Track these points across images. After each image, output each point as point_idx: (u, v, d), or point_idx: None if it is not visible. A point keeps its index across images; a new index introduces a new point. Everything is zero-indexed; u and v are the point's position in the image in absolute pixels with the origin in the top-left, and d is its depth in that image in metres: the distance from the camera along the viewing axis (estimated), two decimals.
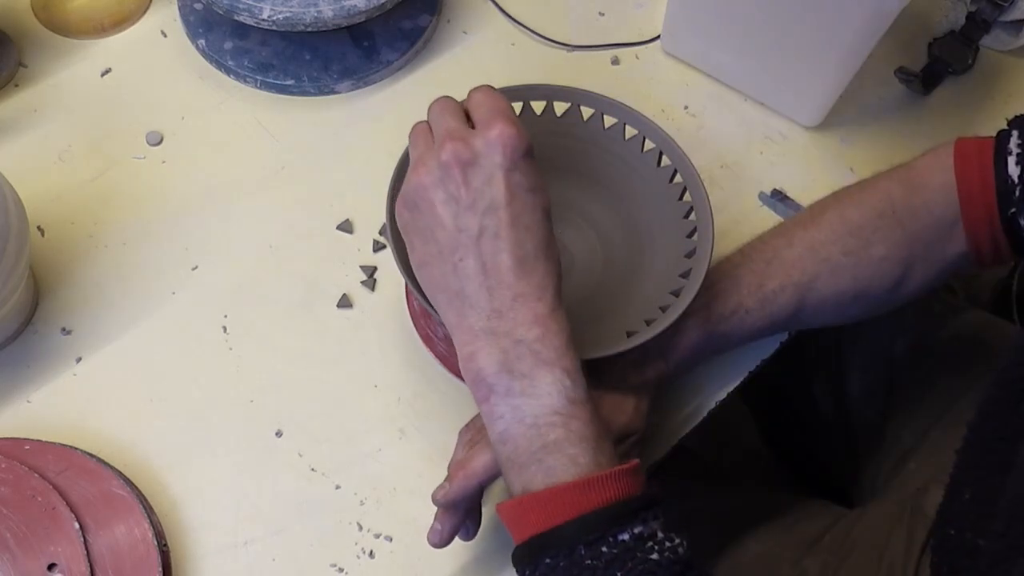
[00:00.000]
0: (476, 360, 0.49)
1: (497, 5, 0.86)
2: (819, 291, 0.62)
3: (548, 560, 0.45)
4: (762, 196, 0.78)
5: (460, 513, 0.55)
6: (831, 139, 0.81)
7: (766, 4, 0.74)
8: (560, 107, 0.66)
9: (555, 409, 0.48)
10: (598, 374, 0.58)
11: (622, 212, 0.68)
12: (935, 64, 0.83)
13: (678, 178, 0.64)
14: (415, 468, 0.64)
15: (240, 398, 0.66)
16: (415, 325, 0.67)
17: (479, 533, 0.58)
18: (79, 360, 0.66)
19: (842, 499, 0.81)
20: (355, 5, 0.74)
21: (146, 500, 0.60)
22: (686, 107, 0.82)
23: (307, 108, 0.79)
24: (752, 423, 0.99)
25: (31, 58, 0.79)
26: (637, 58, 0.85)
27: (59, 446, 0.61)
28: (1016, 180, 0.59)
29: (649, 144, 0.65)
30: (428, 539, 0.56)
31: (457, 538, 0.56)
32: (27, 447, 0.60)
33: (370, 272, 0.71)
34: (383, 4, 0.75)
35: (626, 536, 0.45)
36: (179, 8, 0.83)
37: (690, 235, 0.62)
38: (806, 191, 0.77)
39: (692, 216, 0.63)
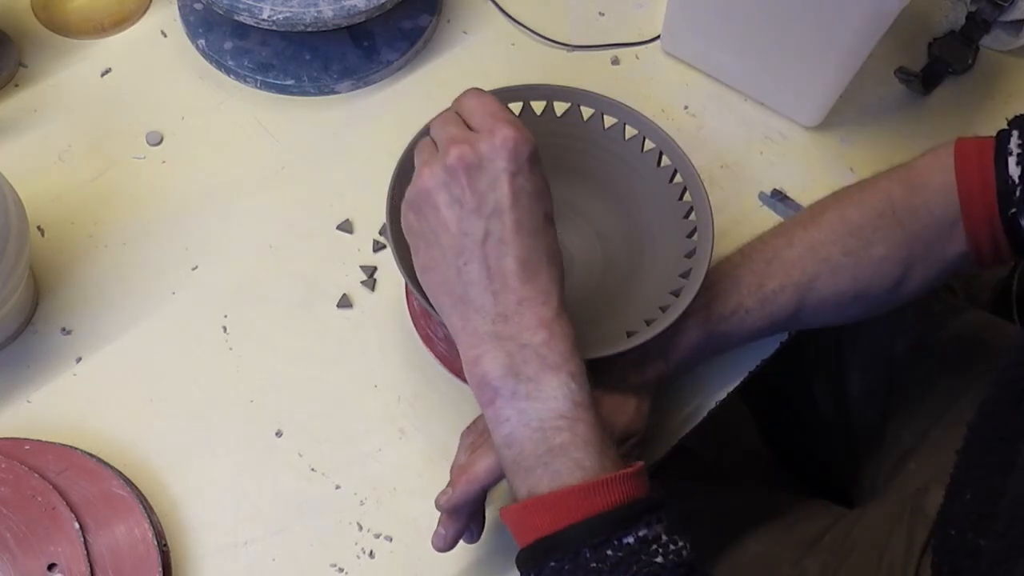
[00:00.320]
0: (481, 364, 0.49)
1: (497, 5, 0.86)
2: (819, 291, 0.62)
3: (553, 563, 0.45)
4: (762, 196, 0.78)
5: (464, 517, 0.56)
6: (831, 139, 0.81)
7: (766, 4, 0.74)
8: (560, 107, 0.66)
9: (561, 413, 0.48)
10: (598, 374, 0.58)
11: (622, 212, 0.68)
12: (935, 64, 0.83)
13: (678, 178, 0.64)
14: (415, 468, 0.64)
15: (240, 398, 0.66)
16: (415, 325, 0.67)
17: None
18: (79, 360, 0.66)
19: (842, 499, 0.81)
20: (355, 5, 0.74)
21: (146, 500, 0.60)
22: (686, 107, 0.82)
23: (307, 108, 0.79)
24: (752, 423, 0.99)
25: (31, 58, 0.79)
26: (637, 58, 0.85)
27: (59, 446, 0.61)
28: (1016, 180, 0.59)
29: (649, 144, 0.65)
30: (432, 543, 0.56)
31: (461, 541, 0.56)
32: (27, 447, 0.60)
33: (370, 272, 0.71)
34: (383, 4, 0.75)
35: (631, 539, 0.45)
36: (179, 8, 0.83)
37: (690, 235, 0.62)
38: (806, 191, 0.77)
39: (692, 216, 0.63)
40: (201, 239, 0.72)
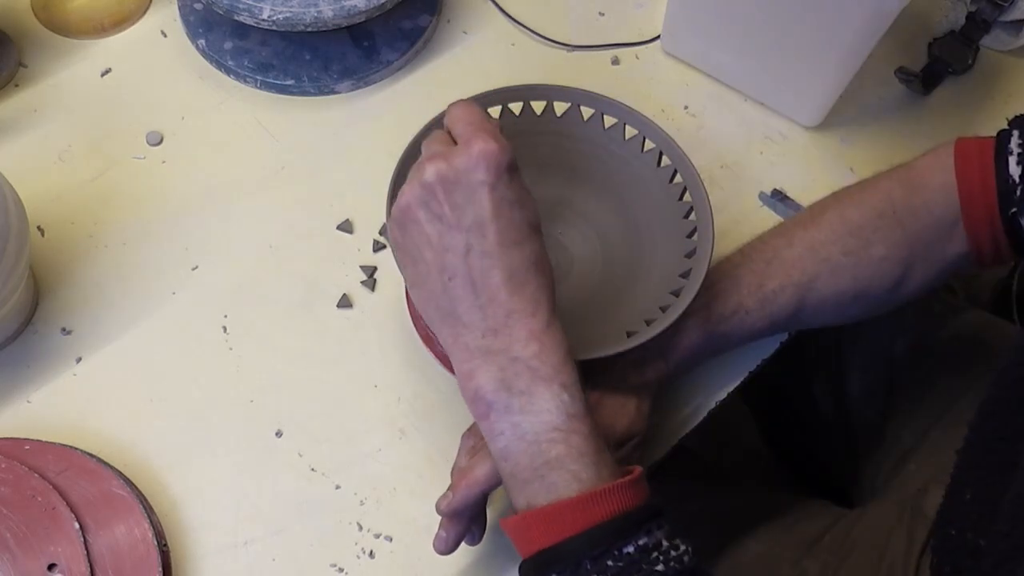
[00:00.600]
0: (474, 378, 0.49)
1: (497, 5, 0.86)
2: (819, 291, 0.62)
3: (555, 575, 0.45)
4: (762, 196, 0.78)
5: (465, 520, 0.56)
6: (831, 139, 0.81)
7: (766, 4, 0.74)
8: (560, 107, 0.66)
9: (555, 425, 0.47)
10: (598, 375, 0.58)
11: (622, 212, 0.68)
12: (935, 64, 0.83)
13: (678, 178, 0.64)
14: (415, 468, 0.64)
15: (240, 398, 0.66)
16: (415, 325, 0.67)
17: None
18: (79, 360, 0.66)
19: (842, 499, 0.81)
20: (355, 5, 0.74)
21: (146, 500, 0.60)
22: (686, 107, 0.82)
23: (307, 108, 0.79)
24: (752, 423, 0.99)
25: (31, 58, 0.79)
26: (637, 58, 0.85)
27: (59, 446, 0.61)
28: (1017, 180, 0.59)
29: (649, 144, 0.65)
30: (434, 547, 0.56)
31: (463, 542, 0.56)
32: (27, 447, 0.60)
33: (370, 272, 0.71)
34: (383, 4, 0.75)
35: (631, 549, 0.45)
36: (179, 8, 0.83)
37: (690, 235, 0.62)
38: (806, 191, 0.77)
39: (692, 216, 0.63)
40: (201, 239, 0.72)
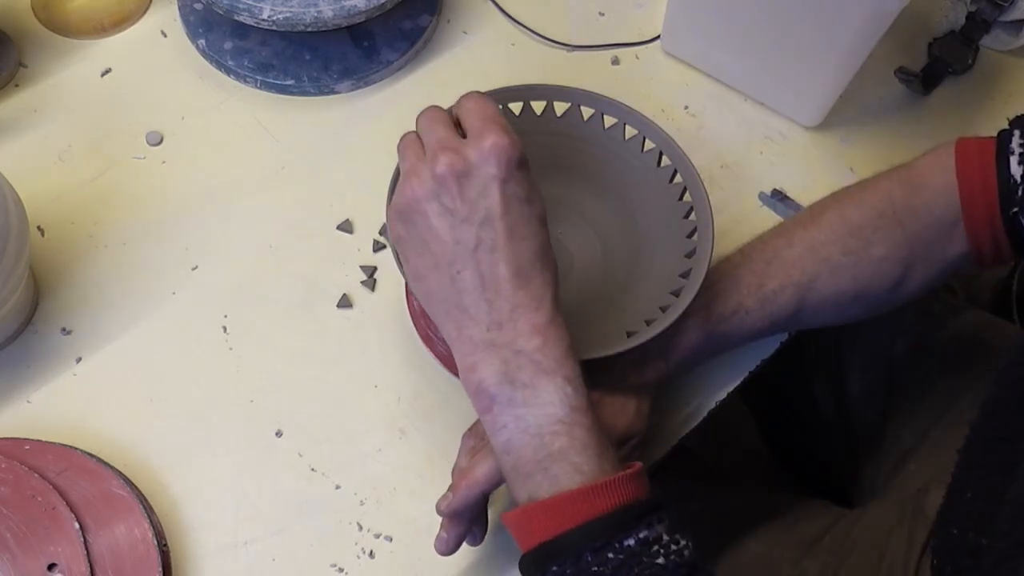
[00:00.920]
0: (477, 371, 0.49)
1: (497, 5, 0.86)
2: (819, 291, 0.62)
3: (555, 568, 0.46)
4: (762, 196, 0.78)
5: (465, 521, 0.56)
6: (831, 139, 0.81)
7: (766, 4, 0.74)
8: (560, 107, 0.66)
9: (558, 418, 0.48)
10: (598, 375, 0.58)
11: (622, 212, 0.68)
12: (935, 64, 0.83)
13: (678, 178, 0.64)
14: (415, 468, 0.64)
15: (240, 398, 0.66)
16: (415, 325, 0.67)
17: None
18: (79, 360, 0.66)
19: (842, 499, 0.81)
20: (355, 5, 0.74)
21: (146, 500, 0.60)
22: (686, 107, 0.82)
23: (307, 108, 0.79)
24: (752, 423, 0.99)
25: (31, 58, 0.79)
26: (637, 58, 0.85)
27: (59, 446, 0.61)
28: (1019, 180, 0.59)
29: (649, 144, 0.65)
30: (435, 548, 0.56)
31: (464, 543, 0.56)
32: (27, 447, 0.60)
33: (370, 272, 0.71)
34: (383, 4, 0.75)
35: (631, 541, 0.45)
36: (179, 8, 0.83)
37: (690, 235, 0.62)
38: (806, 191, 0.77)
39: (692, 216, 0.63)
40: (201, 239, 0.72)
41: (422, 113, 0.53)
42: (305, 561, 0.60)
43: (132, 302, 0.69)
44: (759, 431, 1.00)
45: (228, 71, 0.80)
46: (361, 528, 0.62)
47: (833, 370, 0.82)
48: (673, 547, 0.45)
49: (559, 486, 0.47)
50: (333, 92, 0.80)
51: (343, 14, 0.73)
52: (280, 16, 0.73)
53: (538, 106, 0.66)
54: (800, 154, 0.80)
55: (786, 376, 0.85)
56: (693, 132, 0.81)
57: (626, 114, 0.65)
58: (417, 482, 0.63)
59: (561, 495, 0.46)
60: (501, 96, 0.64)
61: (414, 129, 0.53)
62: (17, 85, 0.78)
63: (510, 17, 0.86)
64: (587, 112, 0.66)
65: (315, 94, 0.80)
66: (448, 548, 0.55)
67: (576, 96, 0.65)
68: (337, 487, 0.63)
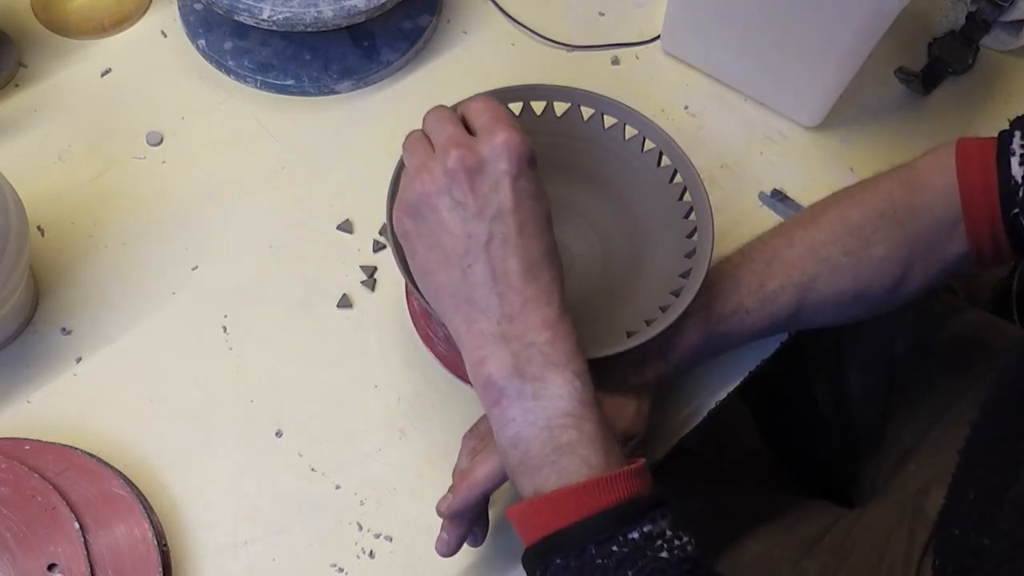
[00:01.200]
0: (487, 364, 0.49)
1: (497, 5, 0.86)
2: (819, 291, 0.62)
3: (559, 560, 0.46)
4: (762, 196, 0.78)
5: (466, 522, 0.56)
6: (831, 139, 0.81)
7: (766, 4, 0.74)
8: (560, 107, 0.66)
9: (567, 411, 0.48)
10: (598, 375, 0.58)
11: (622, 212, 0.68)
12: (935, 64, 0.83)
13: (678, 178, 0.64)
14: (415, 468, 0.64)
15: (240, 398, 0.66)
16: (415, 325, 0.67)
17: None
18: (79, 360, 0.66)
19: (842, 499, 0.81)
20: (355, 5, 0.74)
21: (146, 500, 0.60)
22: (686, 107, 0.82)
23: (307, 108, 0.79)
24: (752, 423, 0.99)
25: (31, 58, 0.79)
26: (637, 58, 0.85)
27: (59, 446, 0.61)
28: (1020, 181, 0.59)
29: (649, 144, 0.65)
30: (436, 549, 0.56)
31: (465, 544, 0.56)
32: (27, 447, 0.60)
33: (370, 272, 0.71)
34: (383, 4, 0.75)
35: (636, 535, 0.45)
36: (179, 8, 0.83)
37: (690, 235, 0.62)
38: (806, 191, 0.77)
39: (692, 216, 0.63)
40: (201, 239, 0.72)
41: (430, 112, 0.53)
42: (305, 561, 0.60)
43: (132, 302, 0.69)
44: (759, 431, 1.00)
45: (228, 71, 0.80)
46: (361, 528, 0.62)
47: (833, 370, 0.82)
48: (676, 542, 0.46)
49: (567, 479, 0.47)
50: (333, 92, 0.80)
51: (343, 14, 0.73)
52: (280, 16, 0.73)
53: (538, 106, 0.66)
54: (800, 154, 0.80)
55: (786, 376, 0.85)
56: (693, 132, 0.81)
57: (626, 114, 0.65)
58: (417, 482, 0.63)
59: (566, 488, 0.46)
60: (501, 96, 0.64)
61: (418, 128, 0.53)
62: (17, 85, 0.78)
63: (510, 17, 0.86)
64: (587, 112, 0.66)
65: (315, 94, 0.80)
66: (449, 549, 0.56)
67: (576, 96, 0.65)
68: (337, 487, 0.63)
